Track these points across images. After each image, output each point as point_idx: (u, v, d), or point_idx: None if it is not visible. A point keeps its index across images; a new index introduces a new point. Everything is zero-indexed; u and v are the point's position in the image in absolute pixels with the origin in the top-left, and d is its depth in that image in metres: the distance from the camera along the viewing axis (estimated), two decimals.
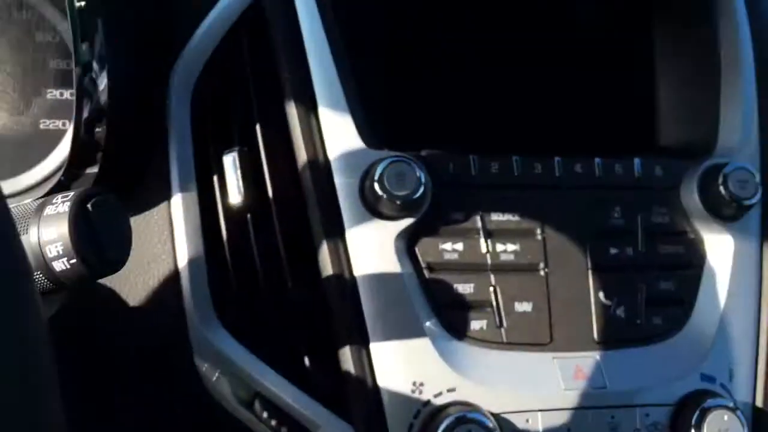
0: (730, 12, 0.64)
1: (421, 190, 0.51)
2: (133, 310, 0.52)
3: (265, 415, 0.51)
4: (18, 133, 0.53)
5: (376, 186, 0.50)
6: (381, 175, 0.50)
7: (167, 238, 0.53)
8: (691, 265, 0.58)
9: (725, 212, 0.58)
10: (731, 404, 0.54)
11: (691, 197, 0.58)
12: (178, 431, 0.54)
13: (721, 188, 0.57)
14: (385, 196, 0.50)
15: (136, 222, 0.53)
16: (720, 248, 0.58)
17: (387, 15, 0.61)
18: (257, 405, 0.52)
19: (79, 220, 0.37)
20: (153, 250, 0.53)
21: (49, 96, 0.52)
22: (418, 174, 0.51)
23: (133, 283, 0.53)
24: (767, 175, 0.61)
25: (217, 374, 0.52)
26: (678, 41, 0.66)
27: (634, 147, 0.63)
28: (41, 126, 0.52)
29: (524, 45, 0.66)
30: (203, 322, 0.52)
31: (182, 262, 0.52)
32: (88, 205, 0.38)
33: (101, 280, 0.52)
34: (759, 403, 0.57)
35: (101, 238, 0.38)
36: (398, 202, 0.51)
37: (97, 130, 0.48)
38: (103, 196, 0.39)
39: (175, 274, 0.52)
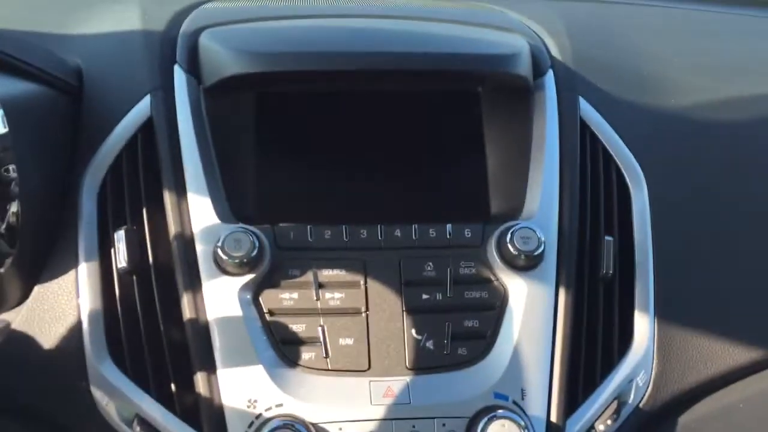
0: (542, 112, 0.80)
1: (255, 252, 0.68)
2: (45, 351, 0.69)
3: (141, 430, 0.67)
4: None
5: (219, 250, 0.68)
6: (223, 241, 0.68)
7: (73, 297, 0.70)
8: (493, 307, 0.71)
9: (518, 263, 0.72)
10: (516, 416, 0.66)
11: (492, 253, 0.73)
12: None
13: (509, 244, 0.71)
14: (225, 257, 0.68)
15: (49, 285, 0.71)
16: (518, 293, 0.72)
17: (256, 121, 0.79)
18: (136, 423, 0.67)
19: None
20: (62, 306, 0.70)
21: None
22: (252, 240, 0.68)
23: (46, 332, 0.70)
24: (563, 235, 0.75)
25: (107, 400, 0.68)
26: (501, 133, 0.82)
27: (474, 215, 0.78)
28: None
29: (374, 139, 0.83)
30: (98, 359, 0.68)
31: (84, 314, 0.69)
32: None
33: (19, 329, 0.70)
34: (552, 417, 0.69)
35: None
36: (236, 262, 0.68)
37: (13, 225, 0.67)
38: None
39: (78, 324, 0.69)
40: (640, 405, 0.74)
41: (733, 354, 0.78)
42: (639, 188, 0.81)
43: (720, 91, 0.92)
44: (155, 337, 0.69)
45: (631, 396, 0.74)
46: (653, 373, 0.75)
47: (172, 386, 0.68)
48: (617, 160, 0.82)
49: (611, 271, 0.75)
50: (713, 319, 0.79)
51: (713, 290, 0.80)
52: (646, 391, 0.75)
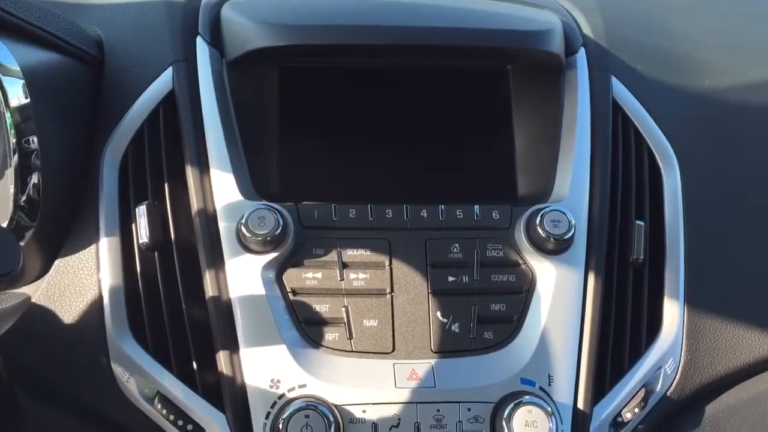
0: (574, 92, 0.78)
1: (279, 229, 0.66)
2: (66, 326, 0.68)
3: (162, 408, 0.66)
4: None
5: (243, 227, 0.66)
6: (247, 218, 0.67)
7: (94, 272, 0.69)
8: (520, 290, 0.70)
9: (547, 247, 0.70)
10: (543, 402, 0.65)
11: (520, 236, 0.71)
12: (98, 423, 0.69)
13: (538, 227, 0.70)
14: (249, 234, 0.66)
15: (70, 260, 0.70)
16: (546, 277, 0.70)
17: (280, 97, 0.77)
18: (157, 401, 0.66)
19: None
20: (82, 281, 0.69)
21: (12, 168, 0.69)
22: (276, 217, 0.67)
23: (66, 306, 0.69)
24: (593, 219, 0.74)
25: (127, 376, 0.67)
26: (531, 113, 0.80)
27: (500, 197, 0.77)
28: (9, 191, 0.70)
29: (400, 116, 0.81)
30: (119, 335, 0.68)
31: (105, 289, 0.69)
32: None
33: (39, 302, 0.69)
34: (579, 404, 0.68)
35: None
36: (260, 239, 0.66)
37: (34, 197, 0.66)
38: None
39: (99, 300, 0.68)
40: (668, 393, 0.73)
41: (762, 343, 0.76)
42: (671, 172, 0.79)
43: (755, 73, 0.89)
44: (177, 315, 0.68)
45: (659, 384, 0.72)
46: (681, 361, 0.73)
47: (194, 364, 0.67)
48: (649, 143, 0.80)
49: (641, 257, 0.74)
50: (743, 307, 0.77)
51: (744, 278, 0.78)
52: (674, 379, 0.73)
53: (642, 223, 0.75)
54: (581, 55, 0.81)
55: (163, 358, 0.67)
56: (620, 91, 0.80)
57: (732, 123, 0.84)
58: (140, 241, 0.69)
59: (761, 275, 0.79)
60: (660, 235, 0.76)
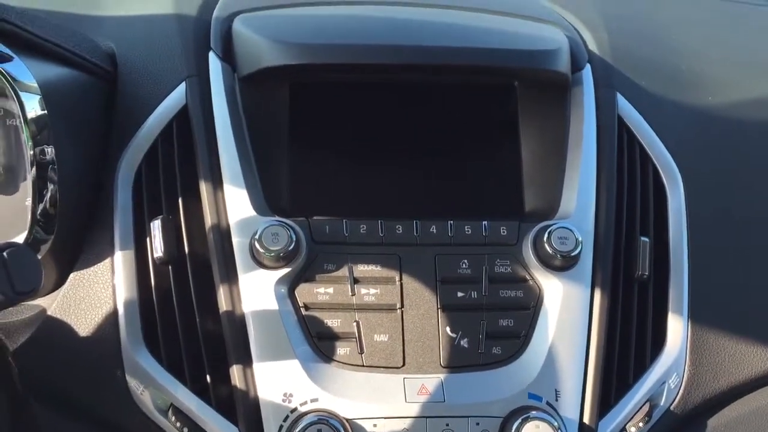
0: (580, 109, 0.79)
1: (293, 245, 0.68)
2: (81, 338, 0.69)
3: (176, 421, 0.67)
4: (9, 209, 0.72)
5: (256, 243, 0.68)
6: (261, 234, 0.68)
7: (109, 285, 0.70)
8: (528, 306, 0.71)
9: (554, 263, 0.71)
10: (550, 417, 0.66)
11: (528, 252, 0.72)
12: None
13: (546, 244, 0.71)
14: (262, 250, 0.67)
15: (85, 273, 0.71)
16: (553, 293, 0.72)
17: (291, 112, 0.78)
18: (171, 413, 0.67)
19: None
20: (98, 293, 0.70)
21: (30, 179, 0.71)
22: (289, 234, 0.68)
23: (81, 319, 0.70)
24: (599, 235, 0.75)
25: (142, 388, 0.68)
26: (537, 129, 0.81)
27: (507, 213, 0.78)
28: (26, 203, 0.72)
29: (412, 134, 0.83)
30: (134, 348, 0.69)
31: (120, 302, 0.70)
32: (4, 253, 0.55)
33: (54, 315, 0.70)
34: (585, 419, 0.69)
35: (12, 275, 0.55)
36: (273, 255, 0.67)
37: (50, 210, 0.67)
38: (16, 247, 0.57)
39: (114, 313, 0.69)
40: (671, 407, 0.74)
41: (764, 358, 0.77)
42: (676, 189, 0.80)
43: (758, 88, 0.91)
44: (191, 328, 0.69)
45: (663, 398, 0.74)
46: (685, 375, 0.75)
47: (208, 378, 0.68)
48: (654, 159, 0.81)
49: (646, 273, 0.75)
50: (746, 323, 0.78)
51: (747, 293, 0.80)
52: (677, 393, 0.74)
53: (647, 240, 0.76)
54: (587, 71, 0.82)
55: (176, 370, 0.68)
56: (625, 107, 0.82)
57: (736, 139, 0.86)
58: (155, 255, 0.70)
59: (764, 290, 0.80)
60: (664, 251, 0.78)
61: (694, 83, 0.89)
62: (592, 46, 0.87)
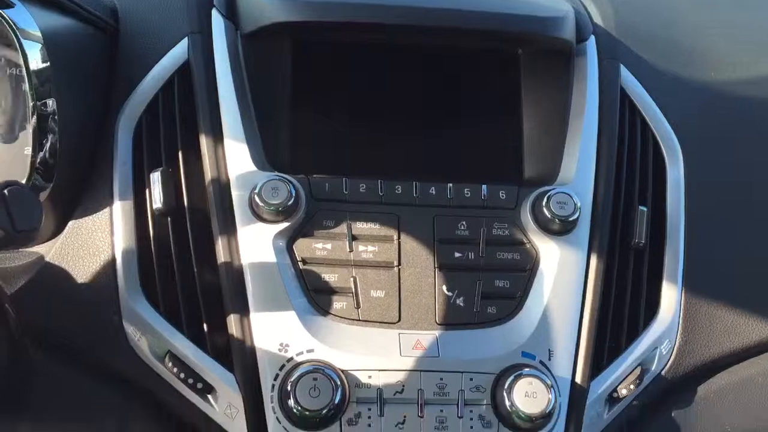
0: (583, 79, 0.80)
1: (292, 200, 0.68)
2: (78, 285, 0.70)
3: (173, 367, 0.68)
4: (8, 156, 0.73)
5: (256, 197, 0.68)
6: (260, 188, 0.68)
7: (107, 234, 0.71)
8: (524, 268, 0.72)
9: (552, 227, 0.72)
10: (543, 375, 0.67)
11: (526, 216, 0.73)
12: (109, 380, 0.70)
13: (544, 208, 0.71)
14: (262, 204, 0.68)
15: (83, 221, 0.71)
16: (550, 256, 0.72)
17: (293, 71, 0.78)
18: (168, 359, 0.68)
19: None
20: (96, 242, 0.71)
21: (30, 129, 0.71)
22: (288, 188, 0.68)
23: (79, 266, 0.70)
24: (598, 202, 0.75)
25: (139, 335, 0.69)
26: (539, 98, 0.82)
27: (506, 179, 0.78)
28: (25, 152, 0.72)
29: (411, 95, 0.82)
30: (131, 295, 0.69)
31: (119, 251, 0.70)
32: (5, 191, 0.55)
33: (52, 261, 0.70)
34: (577, 379, 0.70)
35: (13, 213, 0.55)
36: (273, 209, 0.68)
37: (50, 160, 0.68)
38: (17, 185, 0.57)
39: (112, 261, 0.70)
40: (662, 373, 0.75)
41: (756, 328, 0.78)
42: (675, 161, 0.81)
43: (761, 66, 0.91)
44: (188, 278, 0.69)
45: (654, 364, 0.75)
46: (677, 343, 0.76)
47: (205, 326, 0.69)
48: (655, 132, 0.82)
49: (643, 241, 0.76)
50: (739, 293, 0.79)
51: (741, 265, 0.80)
52: (668, 359, 0.75)
53: (645, 209, 0.77)
54: (591, 42, 0.83)
55: (174, 319, 0.69)
56: (628, 79, 0.82)
57: (736, 114, 0.86)
58: (154, 207, 0.70)
59: (758, 262, 0.81)
60: (661, 221, 0.78)
61: (697, 59, 0.90)
62: (597, 18, 0.87)
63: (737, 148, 0.85)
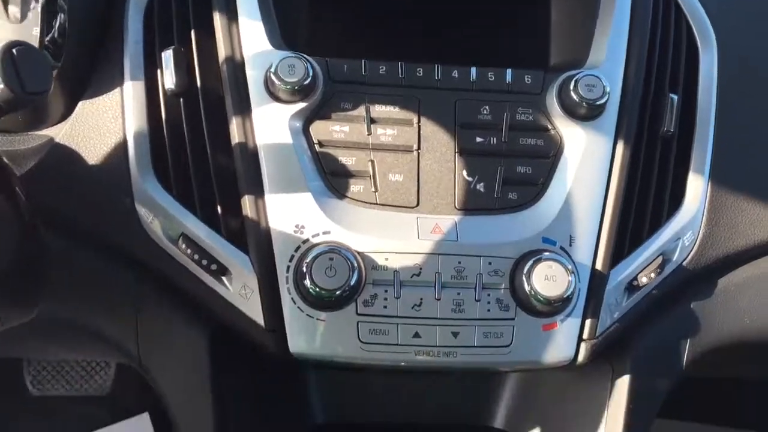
0: None
1: (309, 79, 0.65)
2: (89, 166, 0.68)
3: (186, 248, 0.67)
4: (16, 37, 0.69)
5: (272, 75, 0.65)
6: (277, 66, 0.65)
7: (118, 115, 0.68)
8: (547, 155, 0.69)
9: (579, 112, 0.69)
10: (563, 259, 0.65)
11: (552, 101, 0.70)
12: (122, 263, 0.70)
13: (572, 92, 0.68)
14: (278, 82, 0.65)
15: (93, 102, 0.69)
16: (575, 143, 0.70)
17: None
18: (181, 241, 0.67)
19: (5, 58, 0.52)
20: (107, 123, 0.69)
21: (38, 7, 0.68)
22: (306, 66, 0.65)
23: (90, 147, 0.68)
24: (627, 88, 0.72)
25: (151, 217, 0.68)
26: None
27: (532, 65, 0.74)
28: (33, 32, 0.69)
29: None
30: (143, 177, 0.67)
31: (130, 132, 0.68)
32: (14, 50, 0.53)
33: (65, 143, 0.69)
34: (597, 265, 0.69)
35: (22, 73, 0.53)
36: (289, 87, 0.65)
37: (59, 39, 0.65)
38: (26, 46, 0.54)
39: (123, 142, 0.68)
40: (684, 263, 0.74)
41: None
42: (709, 48, 0.77)
43: None
44: (202, 160, 0.67)
45: (676, 254, 0.73)
46: (700, 234, 0.74)
47: (218, 208, 0.67)
48: (689, 17, 0.77)
49: (672, 129, 0.73)
50: (766, 185, 0.77)
51: None
52: (691, 251, 0.74)
53: (675, 97, 0.73)
54: None
55: (187, 201, 0.67)
56: None
57: None
58: (166, 87, 0.68)
59: None
60: (691, 110, 0.75)
61: None
62: None
63: None
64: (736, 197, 0.75)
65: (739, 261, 0.77)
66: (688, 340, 0.76)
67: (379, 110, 0.68)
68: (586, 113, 0.69)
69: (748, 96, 0.78)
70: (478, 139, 0.69)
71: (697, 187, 0.74)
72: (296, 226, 0.65)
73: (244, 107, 0.67)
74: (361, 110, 0.68)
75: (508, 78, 0.71)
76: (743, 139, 0.77)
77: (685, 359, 0.76)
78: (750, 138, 0.77)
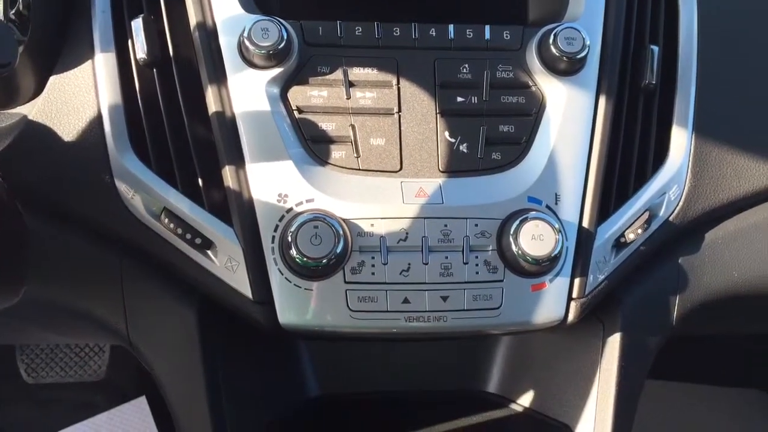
0: None
1: (284, 43, 0.64)
2: (65, 143, 0.67)
3: (169, 223, 0.66)
4: None
5: (246, 40, 0.63)
6: (250, 30, 0.63)
7: (91, 88, 0.67)
8: (530, 112, 0.69)
9: (559, 67, 0.68)
10: (550, 218, 0.65)
11: (532, 56, 0.69)
12: (105, 241, 0.69)
13: (552, 46, 0.67)
14: (252, 47, 0.63)
15: (65, 77, 0.67)
16: (556, 99, 0.69)
17: None
18: (164, 216, 0.66)
19: None
20: (80, 98, 0.67)
21: None
22: (280, 30, 0.63)
23: (65, 123, 0.67)
24: (608, 40, 0.71)
25: (132, 193, 0.66)
26: None
27: (510, 20, 0.73)
28: None
29: None
30: (121, 152, 0.66)
31: (104, 106, 0.66)
32: None
33: (36, 119, 0.67)
34: (584, 223, 0.68)
35: None
36: (263, 52, 0.63)
37: (24, 12, 0.63)
38: None
39: (98, 117, 0.66)
40: (670, 218, 0.74)
41: (766, 173, 0.76)
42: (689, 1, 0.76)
43: None
44: (179, 131, 0.66)
45: (662, 209, 0.73)
46: (686, 187, 0.74)
47: (199, 181, 0.66)
48: None
49: (653, 82, 0.72)
50: (749, 137, 0.76)
51: (753, 108, 0.77)
52: (677, 204, 0.74)
53: (656, 48, 0.73)
54: None
55: (167, 175, 0.66)
56: None
57: None
58: (137, 57, 0.66)
59: None
60: (672, 62, 0.74)
61: None
62: None
63: None
64: (720, 149, 0.75)
65: (725, 214, 0.77)
66: (678, 296, 0.76)
67: (357, 73, 0.67)
68: (567, 68, 0.68)
69: (728, 47, 0.78)
70: (459, 99, 0.68)
71: (680, 141, 0.73)
72: (279, 195, 0.64)
73: (219, 75, 0.65)
74: (338, 74, 0.67)
75: (487, 34, 0.69)
76: (725, 90, 0.76)
77: (675, 315, 0.77)
78: (732, 89, 0.77)
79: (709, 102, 0.75)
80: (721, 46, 0.77)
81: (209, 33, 0.66)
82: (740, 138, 0.76)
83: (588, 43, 0.67)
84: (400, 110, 0.67)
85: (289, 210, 0.64)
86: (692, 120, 0.74)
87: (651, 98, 0.73)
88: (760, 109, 0.77)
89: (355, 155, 0.66)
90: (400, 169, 0.67)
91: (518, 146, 0.68)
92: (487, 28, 0.69)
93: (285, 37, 0.64)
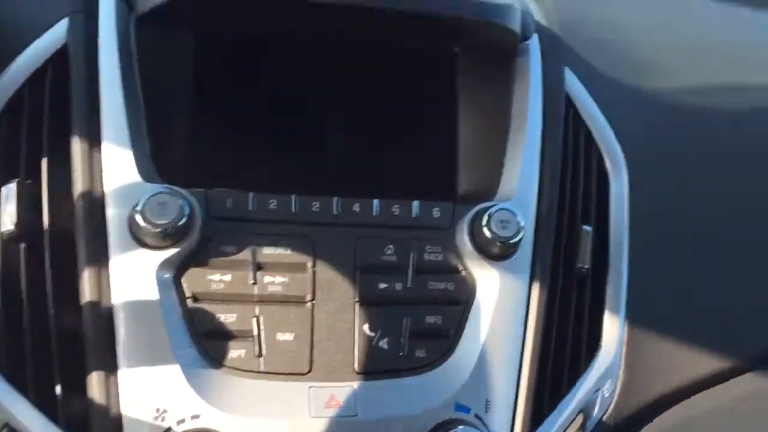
0: (525, 81, 0.70)
1: (184, 220, 0.54)
2: None
3: None
4: None
5: (137, 216, 0.53)
6: (144, 204, 0.53)
7: None
8: (459, 301, 0.62)
9: (492, 251, 0.62)
10: (477, 431, 0.57)
11: (462, 238, 0.62)
12: None
13: (485, 228, 0.61)
14: (145, 224, 0.53)
15: None
16: (488, 285, 0.62)
17: (195, 65, 0.65)
18: None
19: None
20: None
21: None
22: (181, 204, 0.54)
23: None
24: (542, 221, 0.66)
25: None
26: (477, 102, 0.72)
27: (438, 194, 0.67)
28: None
29: (332, 98, 0.71)
30: None
31: None
32: None
33: None
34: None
35: None
36: (158, 231, 0.53)
37: None
38: None
39: None
40: (604, 418, 0.67)
41: (701, 363, 0.72)
42: (619, 174, 0.73)
43: (709, 76, 0.85)
44: (41, 323, 0.54)
45: (596, 408, 0.67)
46: (620, 382, 0.68)
47: (58, 389, 0.53)
48: (599, 143, 0.73)
49: (587, 265, 0.67)
50: (685, 325, 0.73)
51: (687, 295, 0.74)
52: (611, 402, 0.68)
53: (589, 229, 0.69)
54: (534, 42, 0.73)
55: (17, 379, 0.53)
56: (573, 84, 0.73)
57: (685, 127, 0.80)
58: (3, 229, 0.54)
59: (704, 292, 0.75)
60: (604, 243, 0.71)
61: (643, 66, 0.82)
62: (540, 16, 0.77)
63: (683, 162, 0.78)
64: (654, 338, 0.71)
65: (663, 406, 0.72)
66: None
67: (267, 253, 0.58)
68: (500, 252, 0.62)
69: (663, 223, 0.75)
70: (381, 285, 0.60)
71: (613, 329, 0.69)
72: (157, 411, 0.52)
73: (99, 254, 0.54)
74: (246, 254, 0.57)
75: (415, 211, 0.63)
76: (658, 273, 0.73)
77: None
78: (666, 272, 0.73)
79: (641, 288, 0.71)
80: (653, 228, 0.74)
81: (94, 202, 0.55)
82: (674, 326, 0.72)
83: (522, 225, 0.62)
84: (314, 298, 0.58)
85: (168, 430, 0.52)
86: (624, 307, 0.70)
87: (584, 283, 0.68)
88: (695, 297, 0.74)
89: (257, 354, 0.56)
90: (309, 370, 0.57)
91: (446, 340, 0.61)
92: (415, 204, 0.63)
93: (186, 213, 0.54)
